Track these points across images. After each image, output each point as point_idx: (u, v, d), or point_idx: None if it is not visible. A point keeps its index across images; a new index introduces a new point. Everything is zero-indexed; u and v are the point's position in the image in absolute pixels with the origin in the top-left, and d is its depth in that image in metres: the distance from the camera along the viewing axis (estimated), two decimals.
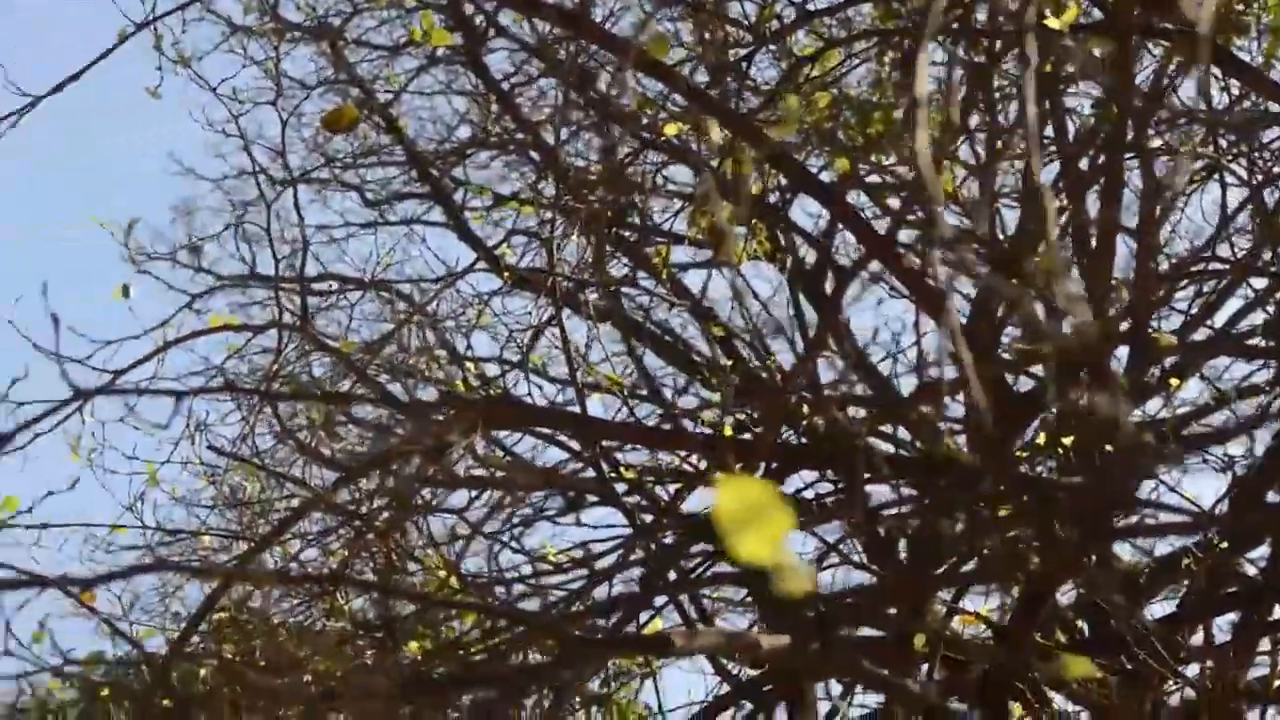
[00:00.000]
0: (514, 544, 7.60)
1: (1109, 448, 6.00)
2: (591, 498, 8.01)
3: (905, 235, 7.06)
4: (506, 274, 8.43)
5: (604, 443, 7.16)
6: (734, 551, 2.23)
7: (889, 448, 7.72)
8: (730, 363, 7.97)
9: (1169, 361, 7.65)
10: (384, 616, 6.91)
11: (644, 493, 7.99)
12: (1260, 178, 7.29)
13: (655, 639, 4.99)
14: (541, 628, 4.38)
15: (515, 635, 5.39)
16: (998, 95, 7.25)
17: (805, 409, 7.20)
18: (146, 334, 7.38)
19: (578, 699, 7.42)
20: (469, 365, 7.95)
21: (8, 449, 4.94)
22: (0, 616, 3.97)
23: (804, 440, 7.29)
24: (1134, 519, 6.91)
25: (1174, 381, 7.47)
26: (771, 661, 4.49)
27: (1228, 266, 7.22)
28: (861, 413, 7.86)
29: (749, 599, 6.67)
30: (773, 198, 8.13)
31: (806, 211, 8.80)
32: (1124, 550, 8.60)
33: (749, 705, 7.73)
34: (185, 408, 7.38)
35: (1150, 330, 6.69)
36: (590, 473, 7.68)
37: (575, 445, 7.64)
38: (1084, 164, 7.28)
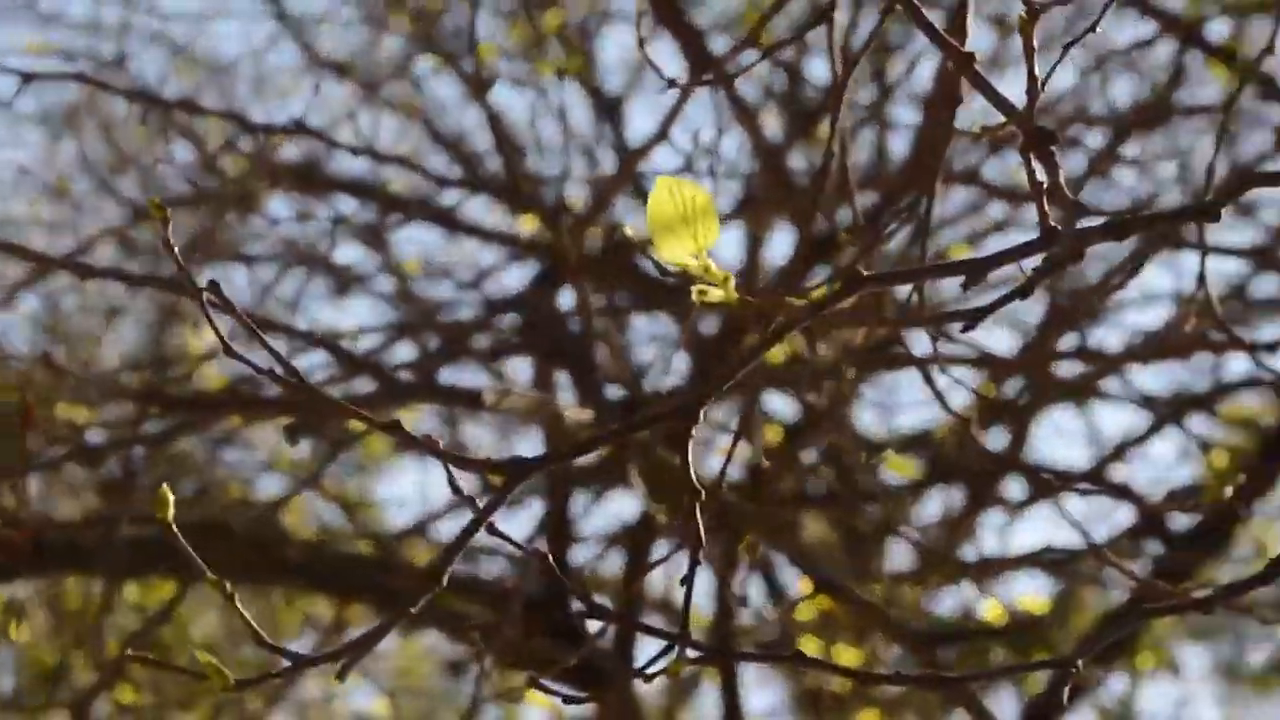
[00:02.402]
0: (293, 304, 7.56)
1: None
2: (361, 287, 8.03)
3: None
4: (317, 54, 8.40)
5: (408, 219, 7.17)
6: (659, 251, 2.28)
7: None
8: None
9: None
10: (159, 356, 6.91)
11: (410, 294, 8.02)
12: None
13: (466, 392, 5.04)
14: (353, 362, 4.39)
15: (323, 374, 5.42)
16: None
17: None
18: None
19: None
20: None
21: None
22: None
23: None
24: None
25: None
26: (574, 437, 4.58)
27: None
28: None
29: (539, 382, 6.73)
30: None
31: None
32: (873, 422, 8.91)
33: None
34: None
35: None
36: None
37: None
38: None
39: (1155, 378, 8.85)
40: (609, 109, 7.97)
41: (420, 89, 8.28)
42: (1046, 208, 2.28)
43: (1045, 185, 2.29)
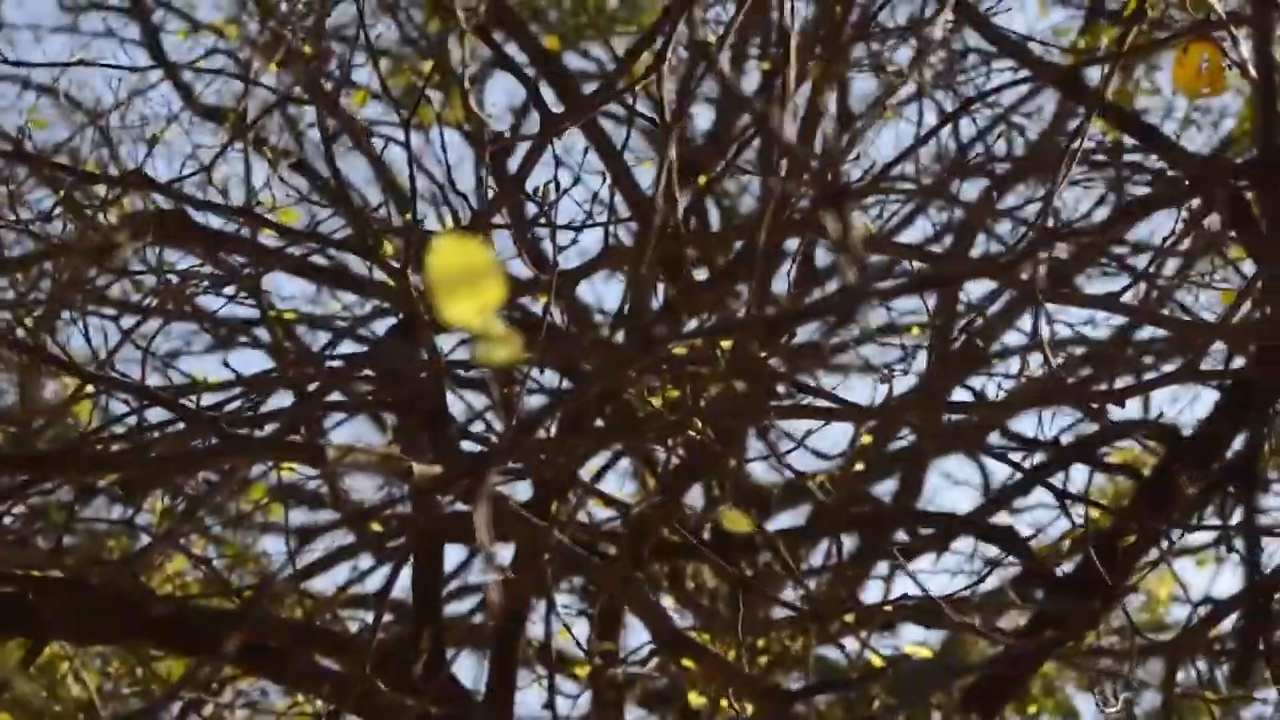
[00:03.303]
0: (164, 360, 7.49)
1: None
2: (244, 338, 7.95)
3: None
4: (194, 96, 8.36)
5: (270, 270, 7.06)
6: (441, 312, 2.21)
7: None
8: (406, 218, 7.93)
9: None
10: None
11: (295, 340, 7.96)
12: (959, 106, 7.46)
13: (309, 448, 4.97)
14: (193, 418, 4.31)
15: (162, 431, 5.33)
16: None
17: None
18: None
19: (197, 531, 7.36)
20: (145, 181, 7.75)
21: None
22: None
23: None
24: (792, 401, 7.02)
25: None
26: (421, 488, 4.51)
27: (913, 189, 7.34)
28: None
29: (397, 437, 6.66)
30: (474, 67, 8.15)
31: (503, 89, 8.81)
32: (758, 470, 8.88)
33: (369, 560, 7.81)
34: None
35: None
36: (247, 305, 7.59)
37: (240, 275, 7.51)
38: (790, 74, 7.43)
39: (1043, 425, 8.82)
40: (490, 157, 7.92)
41: (296, 135, 8.24)
42: (845, 263, 2.24)
43: (840, 240, 2.24)
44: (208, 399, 6.77)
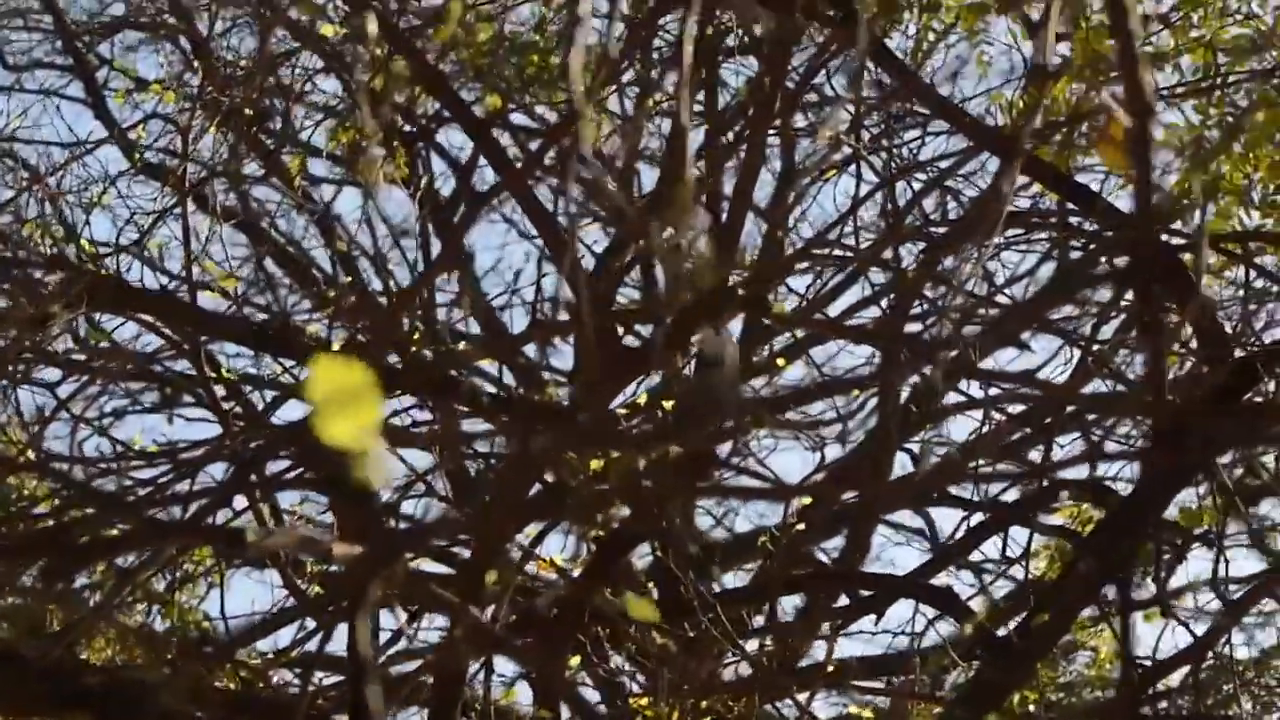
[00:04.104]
0: (100, 426, 7.46)
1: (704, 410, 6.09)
2: (187, 397, 7.91)
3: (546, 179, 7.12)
4: (136, 157, 8.35)
5: (207, 339, 7.03)
6: (321, 430, 2.23)
7: (491, 385, 7.77)
8: (348, 279, 7.94)
9: (778, 343, 7.86)
10: None
11: (240, 397, 7.94)
12: (894, 170, 7.48)
13: (228, 531, 4.96)
14: (114, 504, 4.30)
15: (87, 511, 5.30)
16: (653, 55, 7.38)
17: (414, 334, 7.22)
18: None
19: (140, 593, 7.32)
20: (84, 243, 7.73)
21: None
22: None
23: (406, 365, 7.24)
24: (719, 478, 7.02)
25: (780, 361, 7.64)
26: (346, 567, 4.50)
27: (850, 255, 7.34)
28: (468, 345, 7.88)
29: (328, 509, 6.64)
30: (417, 123, 8.15)
31: (450, 143, 8.83)
32: (703, 524, 8.88)
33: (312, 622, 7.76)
34: None
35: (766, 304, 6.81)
36: (189, 369, 7.58)
37: (178, 339, 7.51)
38: (728, 137, 7.49)
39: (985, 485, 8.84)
40: (437, 217, 7.95)
41: (240, 194, 8.23)
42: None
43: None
44: (146, 462, 6.77)
